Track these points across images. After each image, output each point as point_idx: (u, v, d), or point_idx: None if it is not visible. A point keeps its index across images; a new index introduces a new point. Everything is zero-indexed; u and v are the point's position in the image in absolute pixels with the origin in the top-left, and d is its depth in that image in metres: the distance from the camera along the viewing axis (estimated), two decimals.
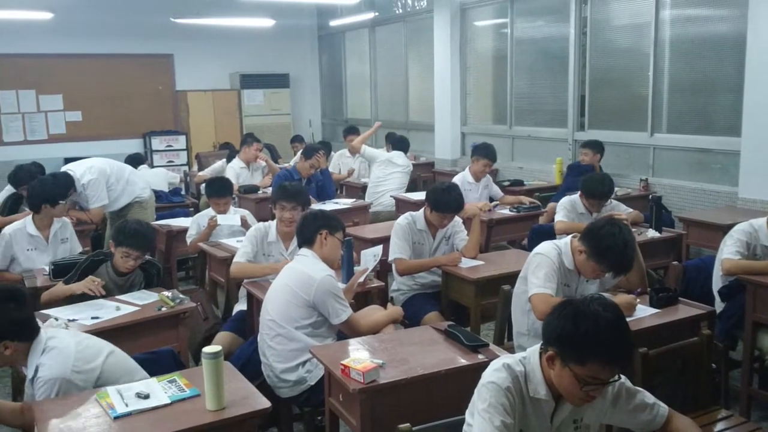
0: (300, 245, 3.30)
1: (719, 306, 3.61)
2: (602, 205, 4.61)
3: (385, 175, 6.63)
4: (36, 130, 9.99)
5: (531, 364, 1.97)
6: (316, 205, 5.31)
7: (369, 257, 3.70)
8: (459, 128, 8.79)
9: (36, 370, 2.36)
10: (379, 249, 3.77)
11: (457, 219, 4.20)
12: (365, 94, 10.96)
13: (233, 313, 3.94)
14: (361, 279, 3.49)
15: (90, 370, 2.41)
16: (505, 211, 5.42)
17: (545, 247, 3.18)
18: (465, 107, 8.81)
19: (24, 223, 4.28)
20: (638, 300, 3.10)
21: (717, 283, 3.66)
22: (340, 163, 7.76)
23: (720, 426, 2.66)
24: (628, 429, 2.18)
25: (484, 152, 5.83)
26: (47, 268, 3.87)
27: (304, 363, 2.98)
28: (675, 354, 2.75)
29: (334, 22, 10.68)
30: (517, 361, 1.99)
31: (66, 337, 2.47)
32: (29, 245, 4.26)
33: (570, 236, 3.21)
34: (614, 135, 6.75)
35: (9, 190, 5.73)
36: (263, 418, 2.47)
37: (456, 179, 5.73)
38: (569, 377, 1.86)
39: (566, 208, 4.59)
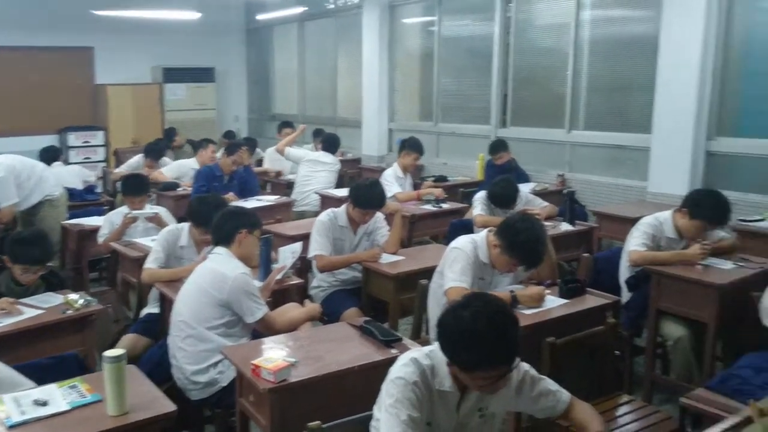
0: (216, 243, 3.23)
1: (626, 296, 3.76)
2: (513, 207, 4.68)
3: (312, 173, 6.57)
4: None
5: (437, 358, 2.01)
6: (237, 202, 5.24)
7: (287, 254, 3.66)
8: (386, 124, 8.83)
9: None
10: (297, 246, 3.74)
11: (379, 215, 4.21)
12: (293, 90, 10.86)
13: (141, 316, 3.82)
14: (279, 276, 3.46)
15: None
16: (428, 207, 5.47)
17: (461, 241, 3.25)
18: (393, 104, 8.85)
19: None
20: (548, 291, 3.19)
21: (624, 273, 3.80)
22: (274, 158, 7.64)
23: (622, 410, 2.78)
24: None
25: (415, 146, 5.99)
26: None
27: (215, 364, 2.92)
28: (582, 342, 2.85)
29: (261, 16, 10.55)
30: (425, 355, 2.03)
31: None
32: None
33: (486, 230, 3.28)
34: (534, 132, 6.94)
35: None
36: (172, 421, 2.41)
37: (387, 173, 5.85)
38: (466, 378, 1.93)
39: (483, 202, 4.70)
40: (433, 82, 8.15)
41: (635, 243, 3.71)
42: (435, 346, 2.06)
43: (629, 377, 3.69)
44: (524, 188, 5.26)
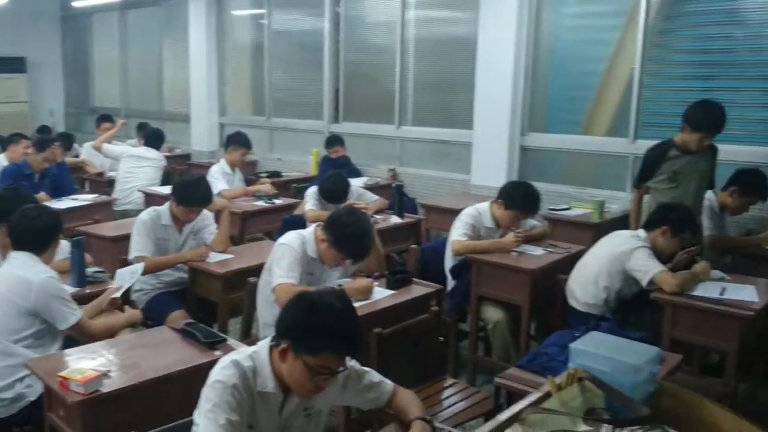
0: (20, 248, 2.93)
1: (451, 283, 3.94)
2: (345, 202, 4.71)
3: (135, 169, 6.21)
4: None
5: (260, 359, 1.97)
6: (50, 203, 4.81)
7: (125, 275, 3.37)
8: (217, 119, 8.58)
9: None
10: (138, 267, 3.44)
11: (206, 212, 4.08)
12: (115, 82, 10.24)
13: None
14: (114, 295, 3.19)
15: None
16: (261, 203, 5.39)
17: (289, 237, 3.23)
18: (223, 97, 8.62)
19: None
20: (376, 283, 3.26)
21: (448, 262, 3.99)
22: (91, 155, 7.09)
23: (446, 393, 2.92)
24: None
25: (242, 141, 5.83)
26: None
27: (22, 378, 2.68)
28: (407, 331, 2.94)
29: (78, 3, 9.86)
30: (247, 356, 1.97)
31: None
32: None
33: (314, 225, 3.28)
34: (366, 127, 7.07)
35: None
36: None
37: (214, 169, 5.65)
38: (301, 368, 1.88)
39: (314, 197, 4.72)
40: (264, 76, 8.04)
41: (457, 233, 3.91)
42: (258, 347, 2.01)
43: (455, 361, 3.88)
44: (356, 183, 5.35)
